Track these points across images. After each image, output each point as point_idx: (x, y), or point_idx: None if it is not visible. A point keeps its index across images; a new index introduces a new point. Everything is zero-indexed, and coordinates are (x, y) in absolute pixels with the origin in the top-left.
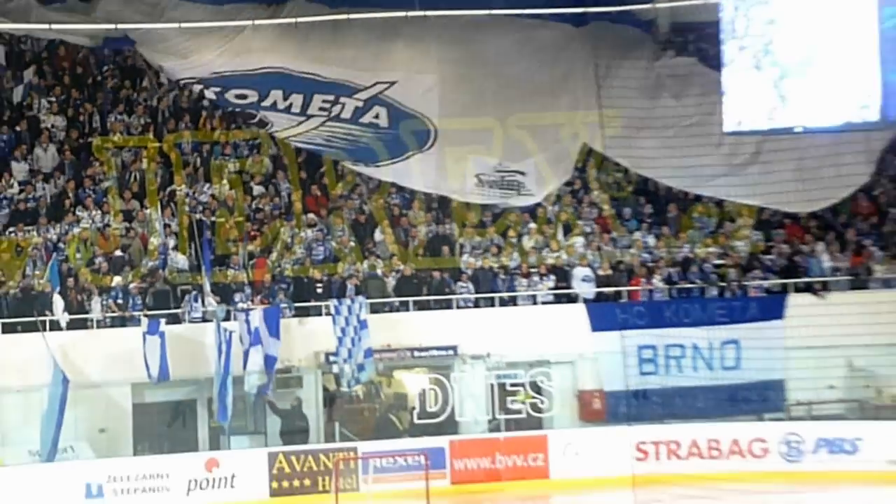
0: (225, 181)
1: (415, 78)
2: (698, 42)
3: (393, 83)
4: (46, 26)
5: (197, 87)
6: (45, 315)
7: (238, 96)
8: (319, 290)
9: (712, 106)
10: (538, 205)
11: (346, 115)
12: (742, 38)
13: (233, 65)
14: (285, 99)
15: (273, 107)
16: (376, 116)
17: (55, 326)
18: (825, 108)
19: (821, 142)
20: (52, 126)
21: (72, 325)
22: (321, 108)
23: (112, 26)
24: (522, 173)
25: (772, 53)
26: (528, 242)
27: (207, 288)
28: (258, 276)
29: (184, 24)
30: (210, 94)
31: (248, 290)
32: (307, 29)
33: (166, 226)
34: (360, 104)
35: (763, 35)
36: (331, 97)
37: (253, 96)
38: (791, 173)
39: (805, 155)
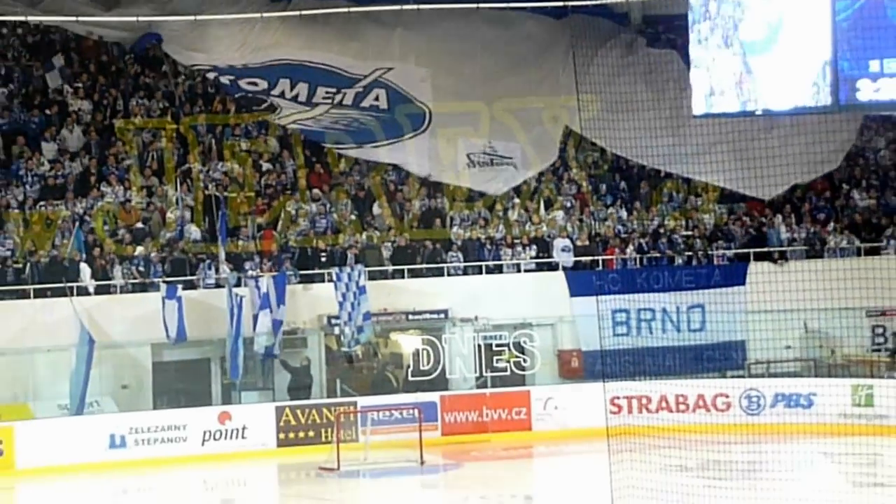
0: (236, 160)
1: (410, 68)
2: (669, 32)
3: (390, 69)
4: (74, 19)
5: (212, 75)
6: (72, 282)
7: (249, 83)
8: (324, 259)
9: (682, 91)
10: (523, 182)
11: (348, 101)
12: (708, 24)
13: (246, 59)
14: (292, 88)
15: (281, 95)
16: (376, 98)
17: (82, 292)
18: (783, 91)
19: (789, 129)
20: (79, 109)
21: (97, 291)
22: (325, 98)
23: (133, 19)
24: (510, 158)
25: (736, 38)
26: (512, 215)
27: (222, 256)
28: (266, 247)
29: (199, 17)
30: (225, 80)
31: (257, 259)
32: (312, 22)
33: (182, 200)
34: (361, 90)
35: (727, 20)
36: (333, 88)
37: (263, 85)
38: (758, 160)
39: (773, 143)
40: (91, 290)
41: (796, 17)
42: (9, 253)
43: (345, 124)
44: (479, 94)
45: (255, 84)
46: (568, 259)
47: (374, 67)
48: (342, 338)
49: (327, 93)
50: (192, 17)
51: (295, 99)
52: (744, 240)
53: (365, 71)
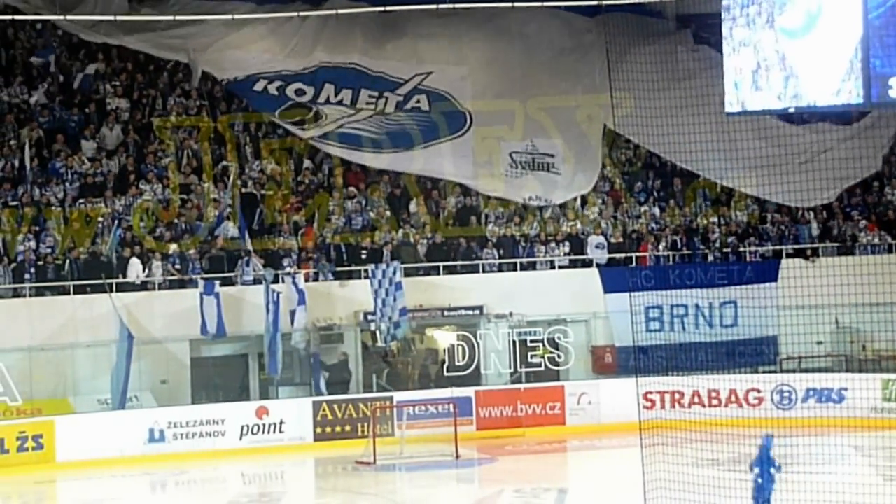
0: (273, 157)
1: (449, 69)
2: (703, 30)
3: (429, 73)
4: (112, 17)
5: (261, 84)
6: (111, 278)
7: (297, 91)
8: (364, 256)
9: (715, 89)
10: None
11: (391, 108)
12: (743, 19)
13: (290, 63)
14: (336, 94)
15: (327, 101)
16: (417, 102)
17: (121, 288)
18: (816, 88)
19: (829, 136)
20: (118, 108)
21: (136, 287)
22: (368, 102)
23: (175, 17)
24: (551, 155)
25: (771, 27)
26: (547, 213)
27: (250, 250)
28: (304, 244)
29: (237, 16)
30: (273, 90)
31: (294, 256)
32: (349, 24)
33: (219, 199)
34: (401, 98)
35: (763, 8)
36: (375, 93)
37: (310, 92)
38: (796, 165)
39: (810, 148)
40: (139, 283)
41: (832, 10)
42: (49, 250)
43: (386, 127)
44: (514, 92)
45: (303, 92)
46: (602, 256)
47: (415, 73)
48: (378, 333)
49: (370, 97)
50: (229, 17)
51: (340, 103)
52: (776, 237)
53: (405, 74)
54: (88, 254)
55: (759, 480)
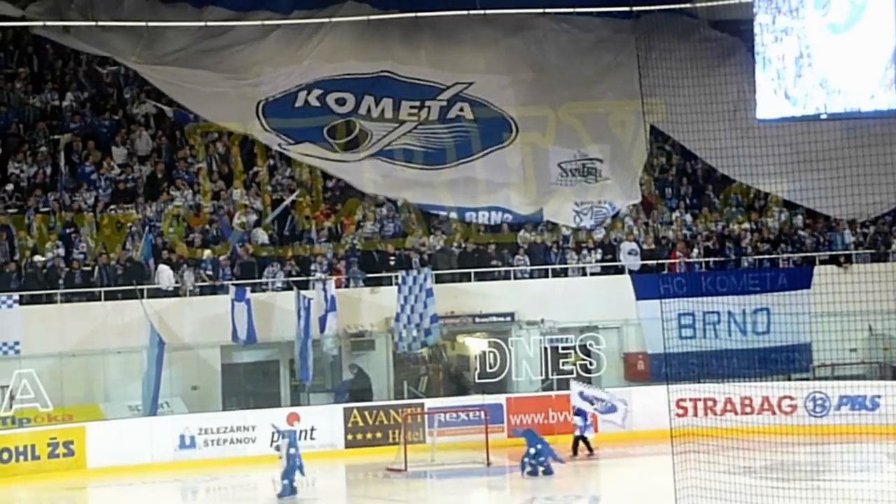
0: (303, 164)
1: (489, 77)
2: (735, 35)
3: (471, 83)
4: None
5: (302, 94)
6: (143, 284)
7: (338, 101)
8: (392, 262)
9: (748, 95)
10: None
11: (434, 116)
12: (774, 28)
13: (325, 70)
14: (377, 104)
15: (368, 115)
16: (461, 110)
17: (152, 294)
18: (846, 95)
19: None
20: (148, 113)
21: (167, 293)
22: (410, 113)
23: (206, 23)
24: (600, 160)
25: (802, 43)
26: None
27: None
28: (334, 250)
29: (266, 22)
30: (314, 100)
31: (324, 262)
32: (380, 31)
33: (249, 205)
34: (444, 104)
35: (792, 26)
36: (417, 102)
37: (350, 101)
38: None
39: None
40: (171, 289)
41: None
42: (81, 256)
43: (430, 143)
44: (551, 99)
45: (344, 101)
46: (635, 262)
47: (455, 80)
48: (400, 340)
49: (412, 107)
50: (259, 23)
51: (382, 117)
52: (810, 243)
53: (446, 81)
54: (119, 260)
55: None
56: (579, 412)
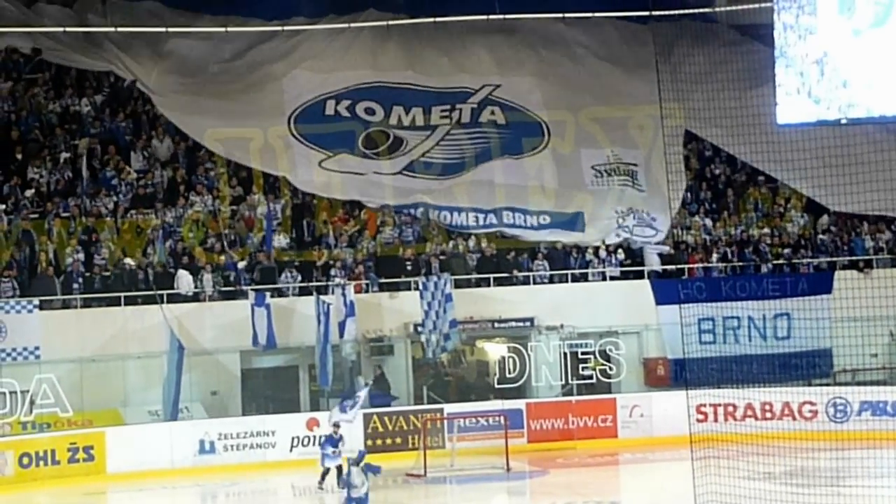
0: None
1: (513, 80)
2: (755, 40)
3: (498, 86)
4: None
5: (331, 103)
6: (162, 290)
7: (367, 111)
8: (409, 267)
9: (767, 98)
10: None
11: (466, 119)
12: (797, 26)
13: (350, 79)
14: (407, 114)
15: (399, 123)
16: (492, 113)
17: (172, 299)
18: (867, 101)
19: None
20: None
21: (187, 298)
22: (442, 117)
23: (227, 29)
24: (635, 165)
25: (824, 44)
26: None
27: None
28: (354, 255)
29: (287, 28)
30: (343, 110)
31: (343, 267)
32: (401, 37)
33: (270, 210)
34: (475, 106)
35: (816, 25)
36: (447, 106)
37: (379, 111)
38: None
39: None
40: (190, 294)
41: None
42: (103, 261)
43: (466, 146)
44: (582, 103)
45: (373, 111)
46: (657, 261)
47: (483, 83)
48: (427, 346)
49: (443, 111)
50: (279, 28)
51: (413, 125)
52: (830, 248)
53: (474, 84)
54: (139, 265)
55: None
56: (329, 440)
